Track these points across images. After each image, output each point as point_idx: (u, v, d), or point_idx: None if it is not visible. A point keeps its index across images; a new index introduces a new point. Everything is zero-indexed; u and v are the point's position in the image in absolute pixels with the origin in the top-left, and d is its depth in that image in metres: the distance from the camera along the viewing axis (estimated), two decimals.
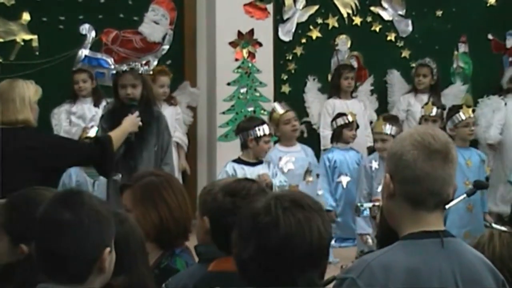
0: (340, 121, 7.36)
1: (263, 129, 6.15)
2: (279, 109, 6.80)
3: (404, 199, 2.25)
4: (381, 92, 8.58)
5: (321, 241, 2.10)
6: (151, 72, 7.22)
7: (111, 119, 5.73)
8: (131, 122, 5.36)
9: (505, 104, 8.19)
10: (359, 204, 4.09)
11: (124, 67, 5.83)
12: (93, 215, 2.17)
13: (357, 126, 7.43)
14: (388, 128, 6.48)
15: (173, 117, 7.47)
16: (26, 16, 7.74)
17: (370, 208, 4.02)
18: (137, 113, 5.53)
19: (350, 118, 7.33)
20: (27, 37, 7.75)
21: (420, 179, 2.23)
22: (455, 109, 6.32)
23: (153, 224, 3.26)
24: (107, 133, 5.14)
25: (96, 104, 7.44)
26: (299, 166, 6.71)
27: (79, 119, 7.41)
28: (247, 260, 2.08)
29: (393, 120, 6.73)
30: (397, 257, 2.19)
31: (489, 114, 8.19)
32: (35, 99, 4.59)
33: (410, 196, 2.25)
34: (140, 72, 5.79)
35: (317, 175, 6.93)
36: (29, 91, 4.53)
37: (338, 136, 7.39)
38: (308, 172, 6.72)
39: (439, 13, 8.81)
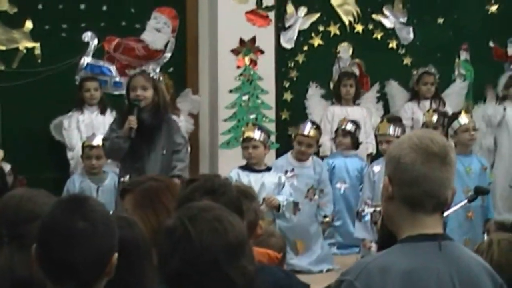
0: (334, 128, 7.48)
1: (247, 134, 6.26)
2: (302, 128, 6.82)
3: (402, 202, 2.26)
4: (386, 99, 8.60)
5: (239, 231, 2.13)
6: (161, 78, 7.26)
7: (121, 122, 5.89)
8: None
9: (504, 109, 8.18)
10: (360, 209, 4.09)
11: (137, 70, 5.98)
12: (105, 222, 2.17)
13: (349, 133, 7.44)
14: (393, 130, 6.46)
15: None
16: (28, 24, 7.76)
17: (371, 214, 4.03)
18: (134, 116, 5.61)
19: (339, 125, 7.39)
20: (30, 45, 7.78)
21: (418, 181, 2.23)
22: (455, 115, 6.32)
23: (153, 229, 3.26)
24: None
25: (103, 112, 7.46)
26: (303, 183, 6.75)
27: (87, 127, 7.43)
28: (175, 276, 2.11)
29: (397, 121, 6.73)
30: (394, 259, 2.19)
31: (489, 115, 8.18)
32: None
33: (408, 198, 2.25)
34: (151, 76, 5.91)
35: (321, 190, 6.94)
36: None
37: (335, 142, 7.47)
38: (311, 189, 6.75)
39: (440, 20, 8.82)
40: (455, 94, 8.59)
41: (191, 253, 2.08)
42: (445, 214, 2.26)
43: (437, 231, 2.28)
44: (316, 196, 6.82)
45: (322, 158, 7.56)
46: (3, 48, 7.72)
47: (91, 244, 2.11)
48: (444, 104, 8.32)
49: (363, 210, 3.95)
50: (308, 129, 6.80)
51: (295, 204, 6.52)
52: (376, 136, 6.86)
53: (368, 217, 3.76)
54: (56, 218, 2.14)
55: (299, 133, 6.80)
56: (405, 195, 2.25)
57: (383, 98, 8.60)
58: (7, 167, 4.73)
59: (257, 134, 6.37)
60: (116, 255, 2.17)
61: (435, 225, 2.28)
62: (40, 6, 7.78)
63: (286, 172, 6.67)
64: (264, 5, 8.00)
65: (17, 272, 2.46)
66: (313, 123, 7.00)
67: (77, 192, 6.36)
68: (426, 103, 8.24)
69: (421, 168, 2.23)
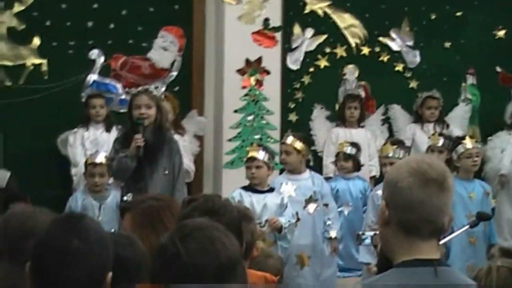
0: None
1: (251, 154, 6.26)
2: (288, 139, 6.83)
3: (398, 227, 2.25)
4: (391, 122, 8.61)
5: (232, 252, 2.10)
6: (163, 97, 7.28)
7: (124, 141, 5.87)
8: None
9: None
10: (360, 233, 4.08)
11: (140, 89, 5.98)
12: (99, 241, 2.17)
13: (350, 156, 7.43)
14: (397, 152, 6.46)
15: (180, 144, 7.48)
16: (36, 41, 7.80)
17: (371, 237, 4.01)
18: (140, 135, 5.61)
19: (340, 149, 7.39)
20: (37, 61, 7.81)
21: (415, 206, 2.23)
22: (459, 140, 6.31)
23: (152, 248, 3.25)
24: None
25: (108, 130, 7.48)
26: (301, 194, 6.72)
27: (91, 144, 7.44)
28: None
29: (401, 144, 6.73)
30: (388, 284, 2.18)
31: (501, 147, 8.16)
32: None
33: (404, 223, 2.25)
34: (155, 95, 5.93)
35: (325, 205, 6.91)
36: None
37: (336, 165, 7.46)
38: (310, 201, 6.72)
39: (447, 44, 8.83)
40: (458, 118, 8.58)
41: (180, 272, 2.06)
42: (447, 239, 2.26)
43: (433, 256, 2.27)
44: (319, 207, 6.78)
45: (325, 179, 7.54)
46: (11, 64, 7.75)
47: (85, 262, 2.11)
48: (448, 126, 8.31)
49: (363, 234, 3.94)
50: (286, 137, 6.81)
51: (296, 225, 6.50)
52: (379, 158, 6.85)
53: (368, 241, 3.75)
54: (51, 236, 2.14)
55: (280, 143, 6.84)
56: (401, 220, 2.25)
57: (388, 120, 8.59)
58: (6, 174, 4.74)
59: (261, 155, 6.37)
60: (110, 274, 2.17)
61: (431, 251, 2.27)
62: (48, 23, 7.82)
63: (281, 184, 6.65)
64: (271, 26, 8.03)
65: (17, 287, 2.47)
66: (298, 136, 6.96)
67: (78, 210, 6.37)
68: (430, 126, 8.24)
69: (418, 193, 2.23)
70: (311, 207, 6.75)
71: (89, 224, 2.17)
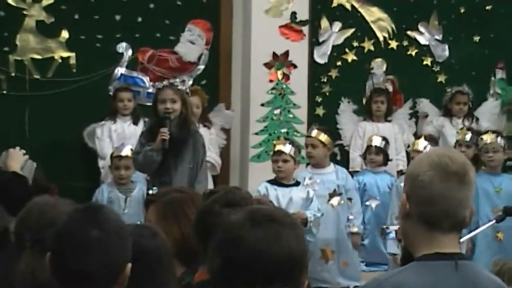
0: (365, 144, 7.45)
1: (278, 147, 6.25)
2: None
3: (419, 220, 2.25)
4: (419, 116, 8.56)
5: (291, 257, 2.04)
6: (188, 90, 7.30)
7: (149, 135, 5.90)
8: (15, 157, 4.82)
9: None
10: (384, 227, 4.06)
11: (165, 83, 5.99)
12: (118, 231, 2.18)
13: (381, 150, 7.40)
14: (428, 148, 6.42)
15: (207, 137, 7.51)
16: (64, 34, 7.84)
17: (395, 231, 4.00)
18: (166, 128, 5.63)
19: (371, 142, 7.35)
20: (65, 54, 7.86)
21: (435, 200, 2.22)
22: (480, 134, 6.28)
23: (175, 240, 3.27)
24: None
25: (135, 123, 7.51)
26: (324, 188, 6.70)
27: (119, 137, 7.48)
28: (216, 271, 2.06)
29: (433, 140, 6.69)
30: (409, 278, 2.17)
31: None
32: None
33: (425, 216, 2.24)
34: (180, 88, 5.93)
35: (349, 199, 6.90)
36: None
37: (364, 159, 7.42)
38: (334, 194, 6.71)
39: (476, 38, 8.76)
40: (487, 113, 8.52)
41: (238, 255, 2.01)
42: (472, 234, 2.25)
43: (454, 250, 2.26)
44: (342, 201, 6.77)
45: (352, 173, 7.53)
46: (39, 57, 7.81)
47: (104, 253, 2.12)
48: (477, 121, 8.25)
49: (387, 228, 3.92)
50: (311, 131, 6.79)
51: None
52: (408, 152, 6.81)
53: (392, 235, 3.73)
54: (70, 226, 2.16)
55: (305, 136, 6.83)
56: (422, 213, 2.24)
57: (416, 115, 8.55)
58: (33, 165, 4.75)
59: (287, 148, 6.36)
60: (129, 265, 2.18)
61: (451, 244, 2.25)
62: (76, 16, 7.87)
63: (304, 178, 6.64)
64: (298, 20, 8.01)
65: (38, 276, 2.50)
66: (323, 129, 6.95)
67: (104, 202, 6.41)
68: (459, 121, 8.19)
69: (439, 187, 2.22)
70: (335, 200, 6.74)
71: (108, 215, 2.18)
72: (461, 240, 3.69)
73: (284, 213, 2.13)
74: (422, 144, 6.56)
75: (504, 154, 6.47)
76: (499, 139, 6.43)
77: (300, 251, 2.05)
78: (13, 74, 7.73)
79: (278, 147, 6.45)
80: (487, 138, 6.16)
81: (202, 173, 6.08)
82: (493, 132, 6.39)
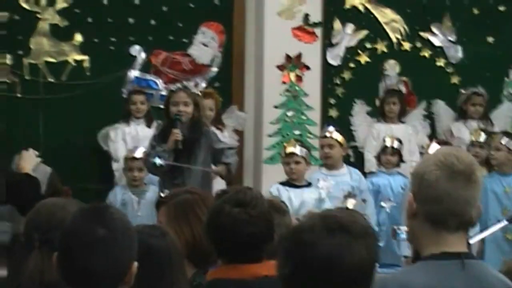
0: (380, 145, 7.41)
1: (289, 149, 6.26)
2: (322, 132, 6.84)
3: (425, 219, 2.25)
4: (433, 117, 8.54)
5: (362, 267, 2.06)
6: (199, 93, 7.32)
7: (161, 138, 5.93)
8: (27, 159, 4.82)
9: None
10: (395, 227, 4.06)
11: (178, 85, 6.02)
12: (124, 231, 2.19)
13: (397, 151, 7.39)
14: None
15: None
16: (78, 37, 7.89)
17: (406, 231, 3.98)
18: (178, 129, 5.66)
19: (386, 143, 7.34)
20: (79, 57, 7.90)
21: (441, 199, 2.22)
22: (490, 135, 6.26)
23: (186, 241, 3.28)
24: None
25: (149, 125, 7.53)
26: (339, 190, 6.70)
27: (132, 139, 7.51)
28: (287, 276, 2.08)
29: (446, 144, 6.68)
30: (415, 277, 2.17)
31: None
32: None
33: (431, 216, 2.24)
34: (192, 92, 5.97)
35: (363, 200, 6.90)
36: None
37: (378, 160, 7.41)
38: (349, 196, 6.70)
39: (490, 39, 8.73)
40: (502, 116, 8.48)
41: (311, 261, 2.03)
42: (483, 235, 2.25)
43: (461, 249, 2.26)
44: (358, 203, 6.76)
45: (366, 174, 7.53)
46: (53, 60, 7.85)
47: (110, 251, 2.13)
48: (492, 124, 8.23)
49: (398, 228, 3.92)
50: (327, 131, 6.79)
51: None
52: (422, 154, 6.80)
53: (403, 235, 3.73)
54: (77, 225, 2.17)
55: (320, 137, 6.81)
56: (428, 212, 2.24)
57: (429, 116, 8.53)
58: (47, 170, 4.79)
59: (298, 150, 6.38)
60: (136, 264, 2.20)
61: (458, 243, 2.26)
62: (89, 20, 7.91)
63: (318, 180, 6.64)
64: (311, 21, 8.02)
65: (47, 276, 2.52)
66: (338, 129, 6.96)
67: (118, 205, 6.44)
68: (473, 123, 8.16)
69: (444, 186, 2.22)
70: (350, 202, 6.73)
71: (114, 214, 2.19)
72: (471, 241, 3.69)
73: (357, 221, 2.14)
74: (434, 149, 6.54)
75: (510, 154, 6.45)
76: (504, 138, 6.41)
77: (370, 261, 2.08)
78: (27, 78, 7.78)
79: (289, 149, 6.48)
80: (496, 138, 6.15)
81: (230, 154, 6.10)
82: (504, 132, 6.36)
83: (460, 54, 8.67)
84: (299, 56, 7.97)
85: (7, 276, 2.88)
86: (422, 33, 8.59)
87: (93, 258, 2.12)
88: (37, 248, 2.57)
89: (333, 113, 8.39)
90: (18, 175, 4.51)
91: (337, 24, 8.40)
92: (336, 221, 2.09)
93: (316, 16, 8.05)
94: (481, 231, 4.41)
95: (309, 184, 6.42)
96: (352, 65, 8.44)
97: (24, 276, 2.52)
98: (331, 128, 7.00)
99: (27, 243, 2.61)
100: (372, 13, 8.49)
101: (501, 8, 8.74)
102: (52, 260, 2.21)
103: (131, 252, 2.19)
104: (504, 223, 4.49)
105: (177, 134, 5.89)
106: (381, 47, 8.50)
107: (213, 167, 6.16)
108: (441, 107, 8.49)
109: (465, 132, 8.14)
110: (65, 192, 6.92)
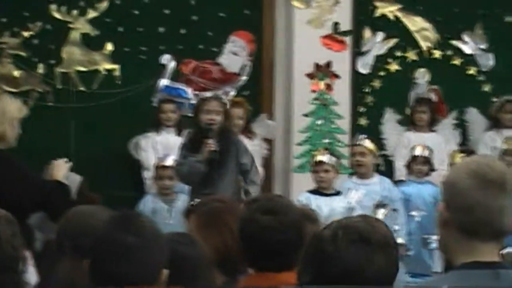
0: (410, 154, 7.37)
1: (318, 158, 6.24)
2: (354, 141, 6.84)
3: (457, 228, 2.23)
4: (464, 126, 8.48)
5: (381, 278, 2.08)
6: (229, 102, 7.34)
7: (191, 146, 5.93)
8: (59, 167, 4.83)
9: None
10: (426, 237, 4.03)
11: (208, 94, 6.04)
12: (154, 238, 2.20)
13: (428, 160, 7.34)
14: None
15: (249, 148, 7.52)
16: (109, 47, 7.95)
17: (438, 240, 3.95)
18: (211, 140, 5.66)
19: (417, 152, 7.30)
20: (110, 66, 7.96)
21: (473, 208, 2.20)
22: None
23: (216, 249, 3.28)
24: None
25: (179, 134, 7.56)
26: (369, 199, 6.67)
27: (163, 148, 7.53)
28: (307, 284, 2.08)
29: (470, 153, 6.64)
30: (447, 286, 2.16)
31: None
32: (18, 116, 4.50)
33: (463, 225, 2.22)
34: (224, 101, 5.99)
35: (394, 210, 6.86)
36: (11, 106, 4.49)
37: (408, 169, 7.37)
38: (379, 206, 6.67)
39: None
40: None
41: (331, 271, 2.04)
42: None
43: (494, 259, 2.23)
44: (385, 212, 6.73)
45: (395, 182, 7.49)
46: (84, 69, 7.92)
47: (140, 258, 2.15)
48: None
49: (429, 238, 3.89)
50: (358, 139, 6.78)
51: None
52: (450, 164, 6.77)
53: (434, 245, 3.70)
54: (108, 232, 2.19)
55: (352, 145, 6.80)
56: (461, 222, 2.22)
57: (460, 125, 8.47)
58: (76, 178, 4.83)
59: (327, 158, 6.37)
60: (166, 271, 2.20)
61: (491, 253, 2.23)
62: (120, 29, 7.96)
63: (348, 189, 6.62)
64: (340, 30, 8.01)
65: (77, 283, 2.54)
66: (369, 138, 6.96)
67: (149, 213, 6.46)
68: (507, 132, 8.09)
69: (477, 195, 2.20)
70: (380, 212, 6.70)
71: (144, 222, 2.21)
72: (504, 251, 3.65)
73: (378, 231, 2.13)
74: (457, 158, 6.51)
75: None
76: None
77: (390, 272, 2.10)
78: (59, 87, 7.85)
79: (318, 158, 6.48)
80: None
81: (253, 173, 6.10)
82: None
83: (491, 62, 8.61)
84: (328, 64, 7.97)
85: (38, 283, 2.90)
86: (453, 41, 8.54)
87: (123, 265, 2.13)
88: (68, 254, 2.59)
89: (363, 121, 8.37)
90: (50, 182, 4.55)
91: (366, 33, 8.38)
92: (356, 231, 2.09)
93: (346, 24, 8.05)
94: None
95: (338, 193, 6.41)
96: (382, 73, 8.42)
97: (55, 282, 2.54)
98: (363, 136, 6.99)
99: (59, 250, 2.63)
100: (401, 21, 8.46)
101: None
102: (83, 267, 2.22)
103: (161, 259, 2.19)
104: None
105: (212, 144, 5.87)
106: (411, 55, 8.47)
107: (249, 187, 6.16)
108: (474, 115, 8.43)
109: (497, 140, 8.08)
110: (94, 200, 6.97)
